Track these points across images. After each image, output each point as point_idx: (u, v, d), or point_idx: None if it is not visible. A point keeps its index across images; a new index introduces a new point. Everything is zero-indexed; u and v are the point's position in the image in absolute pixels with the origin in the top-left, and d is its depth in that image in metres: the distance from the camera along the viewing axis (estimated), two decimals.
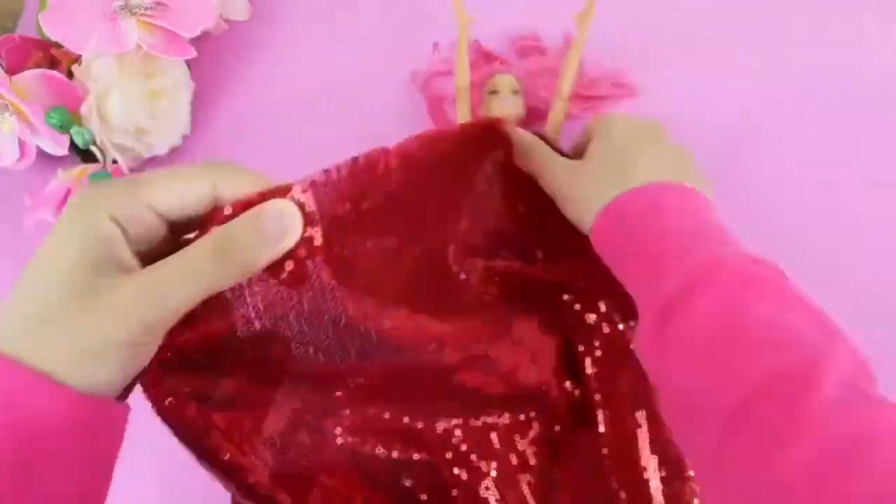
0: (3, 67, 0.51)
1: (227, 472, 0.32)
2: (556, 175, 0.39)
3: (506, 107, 0.48)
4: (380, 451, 0.38)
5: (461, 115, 0.49)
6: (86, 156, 0.54)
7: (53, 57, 0.56)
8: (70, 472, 0.25)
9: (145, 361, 0.27)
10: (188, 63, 0.56)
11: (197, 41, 0.54)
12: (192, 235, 0.27)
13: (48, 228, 0.56)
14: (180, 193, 0.27)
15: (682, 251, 0.31)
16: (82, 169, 0.52)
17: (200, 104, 0.58)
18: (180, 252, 0.26)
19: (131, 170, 0.54)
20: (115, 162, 0.53)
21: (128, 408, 0.28)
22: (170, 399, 0.29)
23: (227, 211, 0.27)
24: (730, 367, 0.27)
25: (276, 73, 0.59)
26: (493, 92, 0.49)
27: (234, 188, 0.28)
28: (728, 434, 0.25)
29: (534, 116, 0.50)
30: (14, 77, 0.51)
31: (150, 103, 0.54)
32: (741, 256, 0.30)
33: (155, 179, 0.26)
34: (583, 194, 0.37)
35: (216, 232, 0.27)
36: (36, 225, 0.52)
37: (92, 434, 0.26)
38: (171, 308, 0.26)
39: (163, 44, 0.52)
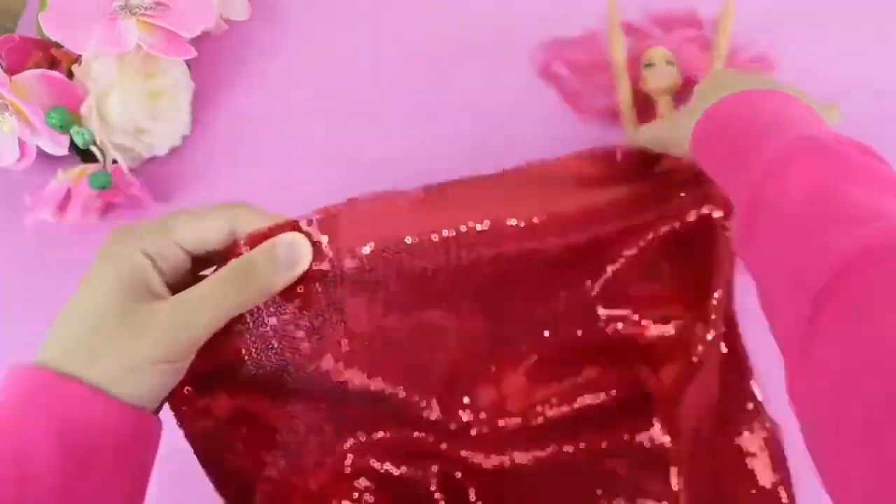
0: (3, 67, 0.51)
1: (240, 484, 0.35)
2: (659, 128, 0.41)
3: (662, 77, 0.49)
4: (405, 470, 0.39)
5: (622, 92, 0.50)
6: (86, 156, 0.54)
7: (53, 57, 0.56)
8: (119, 477, 0.28)
9: (179, 377, 0.30)
10: (188, 63, 0.56)
11: (197, 41, 0.54)
12: (210, 270, 0.31)
13: (48, 228, 0.56)
14: (203, 231, 0.31)
15: (775, 134, 0.31)
16: (82, 169, 0.52)
17: (200, 104, 0.58)
18: (206, 280, 0.30)
19: (131, 170, 0.53)
20: (115, 162, 0.53)
21: (161, 421, 0.31)
22: (193, 413, 0.33)
23: (243, 246, 0.31)
24: (821, 241, 0.26)
25: (276, 73, 0.59)
26: (649, 65, 0.50)
27: (249, 224, 0.31)
28: (820, 309, 0.24)
29: (690, 86, 0.48)
30: (14, 77, 0.51)
31: (150, 103, 0.54)
32: (838, 137, 0.30)
33: (180, 219, 0.31)
34: (683, 122, 0.37)
35: (236, 261, 0.30)
36: (36, 225, 0.52)
37: (138, 442, 0.29)
38: (201, 328, 0.29)
39: (163, 44, 0.52)
